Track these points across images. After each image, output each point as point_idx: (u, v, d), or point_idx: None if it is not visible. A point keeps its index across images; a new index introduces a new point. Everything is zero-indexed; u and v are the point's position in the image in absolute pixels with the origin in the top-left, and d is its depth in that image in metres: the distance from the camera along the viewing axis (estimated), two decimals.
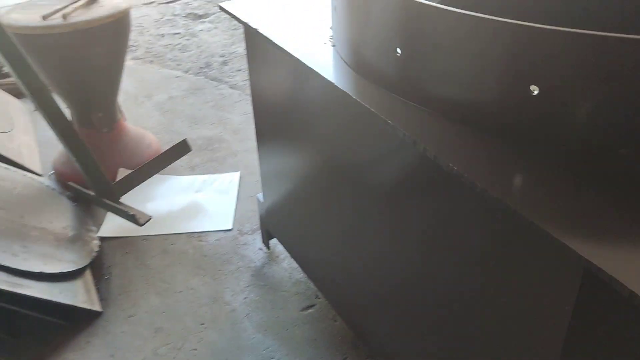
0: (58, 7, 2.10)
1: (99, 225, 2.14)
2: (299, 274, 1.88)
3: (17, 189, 2.05)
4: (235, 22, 1.58)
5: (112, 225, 2.12)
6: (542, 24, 0.79)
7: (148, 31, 3.86)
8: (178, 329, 1.73)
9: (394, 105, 1.02)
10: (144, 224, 1.94)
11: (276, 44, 1.30)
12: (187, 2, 4.31)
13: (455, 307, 1.06)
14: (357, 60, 1.14)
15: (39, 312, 1.69)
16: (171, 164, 2.31)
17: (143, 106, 2.97)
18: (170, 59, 3.47)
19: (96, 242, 2.03)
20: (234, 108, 2.92)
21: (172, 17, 4.08)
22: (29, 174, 2.22)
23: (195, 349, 1.66)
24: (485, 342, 1.01)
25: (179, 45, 3.65)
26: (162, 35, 3.80)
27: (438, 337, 1.17)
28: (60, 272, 1.78)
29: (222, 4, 1.55)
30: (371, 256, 1.32)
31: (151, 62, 3.46)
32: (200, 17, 4.07)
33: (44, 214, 2.01)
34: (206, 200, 2.26)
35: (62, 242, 1.93)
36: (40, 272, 1.72)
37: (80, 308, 1.74)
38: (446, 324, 1.11)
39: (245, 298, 1.82)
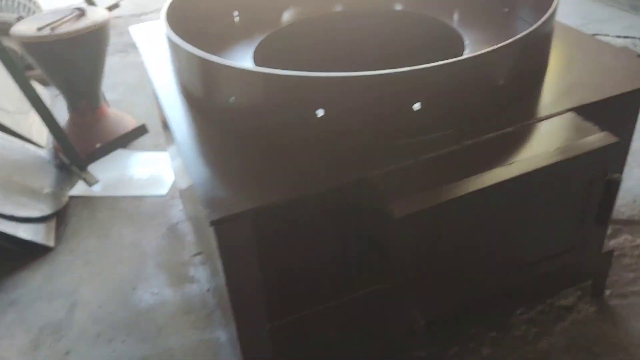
0: (52, 20, 2.78)
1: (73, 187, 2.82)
2: None
3: (13, 156, 2.76)
4: None
5: (81, 187, 2.79)
6: None
7: None
8: (101, 262, 2.36)
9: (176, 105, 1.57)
10: (93, 184, 2.59)
11: (141, 54, 1.88)
12: None
13: None
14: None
15: (9, 244, 2.37)
16: (143, 143, 2.99)
17: (137, 95, 3.65)
18: None
19: (65, 199, 2.70)
20: None
21: None
22: (29, 146, 2.94)
23: (108, 277, 2.28)
24: None
25: None
26: None
27: None
28: (27, 217, 2.46)
29: (131, 27, 2.14)
30: None
31: None
32: None
33: (30, 176, 2.70)
34: (157, 171, 2.89)
35: (37, 196, 2.61)
36: (11, 215, 2.41)
37: (38, 243, 2.41)
38: None
39: (156, 244, 2.42)
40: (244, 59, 1.77)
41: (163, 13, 1.66)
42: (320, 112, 1.29)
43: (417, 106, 1.29)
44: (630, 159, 2.54)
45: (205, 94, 1.48)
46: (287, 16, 2.10)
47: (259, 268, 1.31)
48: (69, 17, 2.81)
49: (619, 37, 3.47)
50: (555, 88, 1.49)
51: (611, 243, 2.13)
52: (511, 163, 1.24)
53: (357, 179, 1.23)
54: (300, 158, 1.30)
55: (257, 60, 1.76)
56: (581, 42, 1.71)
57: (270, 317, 1.40)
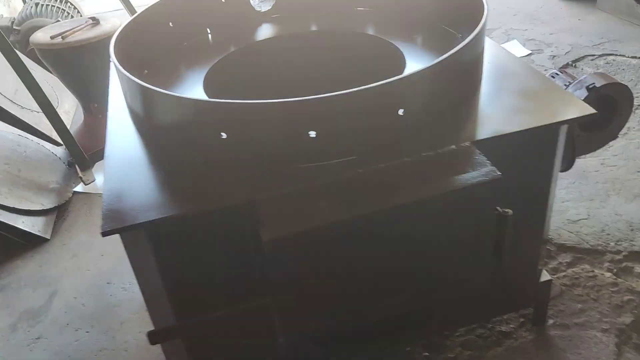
0: (66, 29, 3.01)
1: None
2: None
3: (26, 152, 3.01)
4: None
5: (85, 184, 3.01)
6: None
7: None
8: (87, 256, 2.55)
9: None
10: (88, 184, 2.79)
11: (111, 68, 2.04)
12: None
13: None
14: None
15: (9, 233, 2.61)
16: None
17: None
18: None
19: (69, 195, 2.92)
20: None
21: None
22: (45, 144, 3.18)
23: (89, 270, 2.47)
24: None
25: None
26: None
27: None
28: (27, 209, 2.68)
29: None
30: None
31: None
32: None
33: (38, 171, 2.94)
34: None
35: (41, 191, 2.84)
36: (12, 207, 2.64)
37: (35, 234, 2.63)
38: None
39: None
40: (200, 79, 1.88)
41: (119, 29, 1.80)
42: (223, 135, 1.39)
43: (312, 134, 1.36)
44: (609, 187, 2.51)
45: (140, 111, 1.61)
46: (261, 35, 2.21)
47: (161, 274, 1.42)
48: (82, 27, 3.03)
49: (634, 57, 3.36)
50: (468, 119, 1.51)
51: (568, 271, 2.11)
52: (393, 193, 1.29)
53: (245, 200, 1.32)
54: (205, 177, 1.40)
55: (210, 80, 1.87)
56: (517, 73, 1.71)
57: (178, 317, 1.51)
